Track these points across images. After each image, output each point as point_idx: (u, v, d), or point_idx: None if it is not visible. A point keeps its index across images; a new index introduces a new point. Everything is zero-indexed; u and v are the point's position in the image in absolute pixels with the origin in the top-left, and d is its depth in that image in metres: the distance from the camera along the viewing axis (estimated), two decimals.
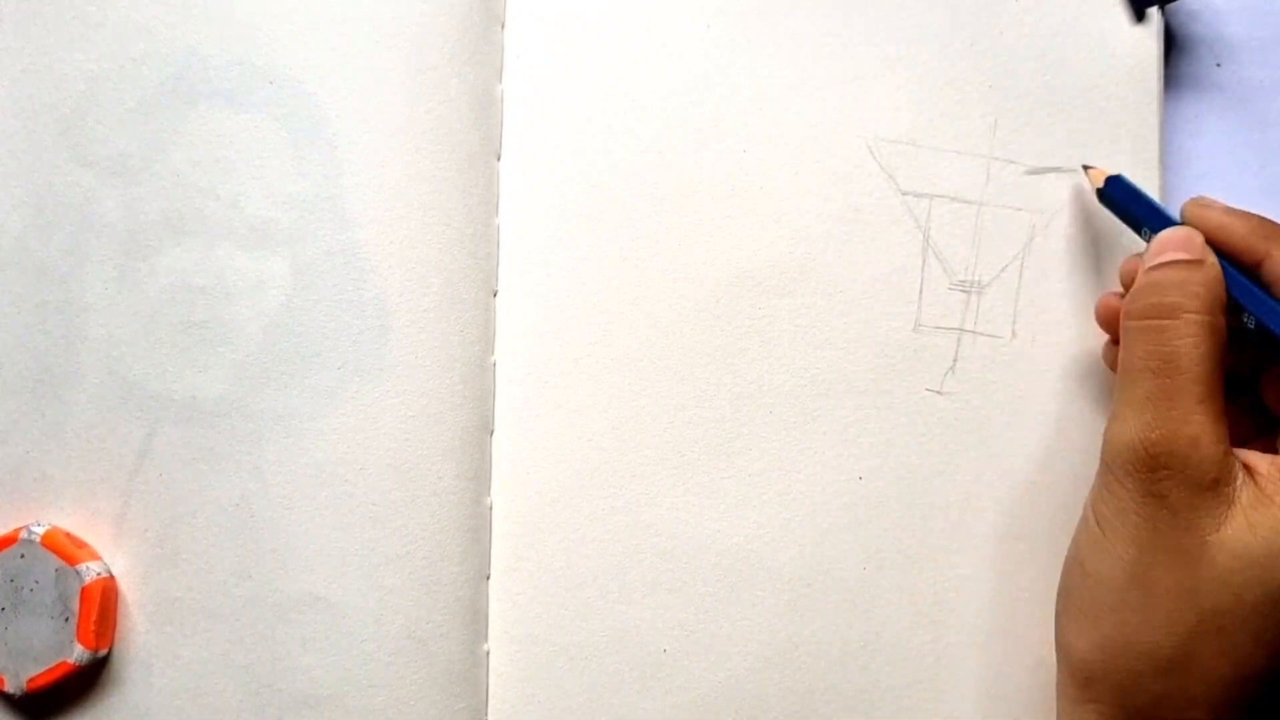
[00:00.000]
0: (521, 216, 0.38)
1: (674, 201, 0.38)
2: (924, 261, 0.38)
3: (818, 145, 0.38)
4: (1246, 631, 0.29)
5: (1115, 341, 0.36)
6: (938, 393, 0.38)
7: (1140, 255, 0.34)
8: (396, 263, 0.37)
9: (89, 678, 0.37)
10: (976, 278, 0.38)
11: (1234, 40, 0.40)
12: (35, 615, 0.35)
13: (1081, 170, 0.37)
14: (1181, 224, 0.33)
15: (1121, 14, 0.38)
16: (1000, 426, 0.38)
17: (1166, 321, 0.30)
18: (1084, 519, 0.32)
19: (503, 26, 0.39)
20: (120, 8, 0.38)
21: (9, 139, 0.38)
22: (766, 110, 0.38)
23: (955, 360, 0.38)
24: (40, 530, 0.36)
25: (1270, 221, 0.32)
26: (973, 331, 0.38)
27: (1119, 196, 0.35)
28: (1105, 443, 0.31)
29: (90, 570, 0.36)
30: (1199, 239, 0.32)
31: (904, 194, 0.38)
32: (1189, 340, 0.30)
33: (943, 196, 0.38)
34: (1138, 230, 0.35)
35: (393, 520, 0.36)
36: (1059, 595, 0.33)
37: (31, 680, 0.35)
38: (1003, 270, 0.38)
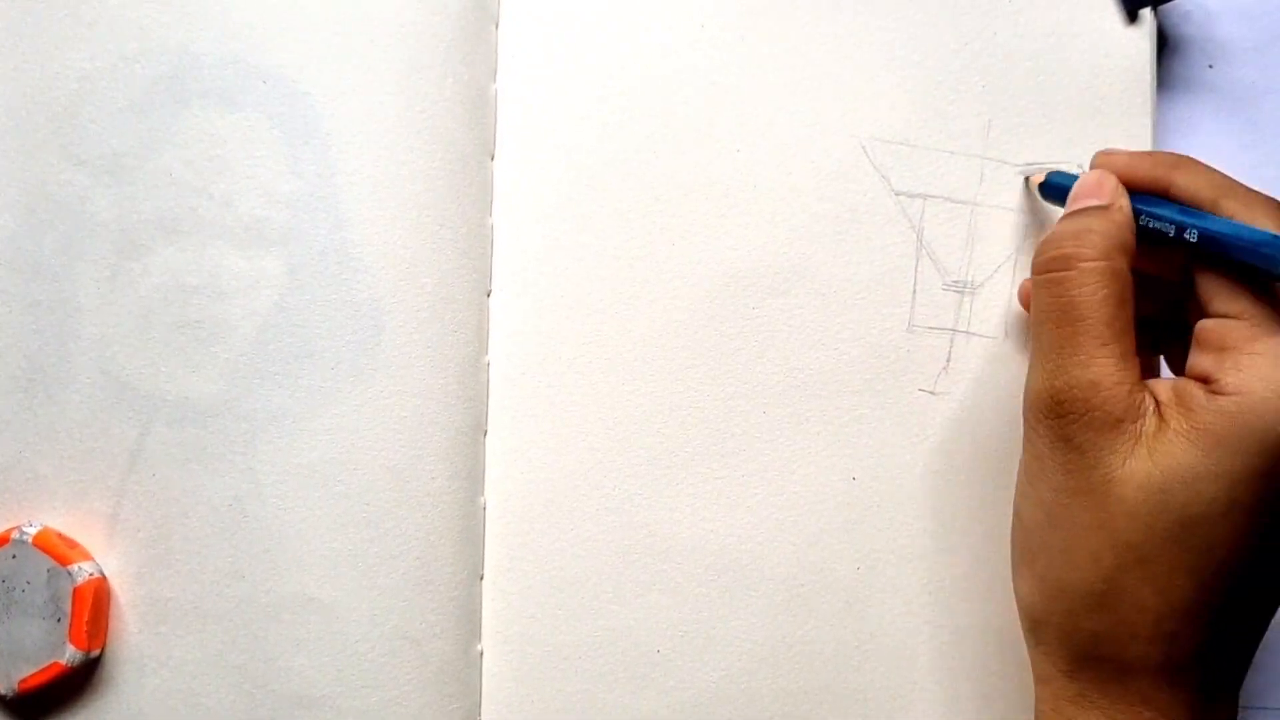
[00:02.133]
0: (515, 216, 0.38)
1: (668, 201, 0.38)
2: (917, 261, 0.38)
3: (811, 145, 0.38)
4: (1166, 559, 0.29)
5: None
6: (931, 393, 0.38)
7: None
8: (390, 262, 0.37)
9: (81, 678, 0.37)
10: (970, 278, 0.38)
11: (1226, 42, 0.41)
12: (27, 616, 0.35)
13: (1024, 182, 0.38)
14: None
15: (1114, 15, 0.39)
16: (993, 426, 0.38)
17: (1062, 273, 0.31)
18: (1017, 472, 0.33)
19: (497, 25, 0.39)
20: (113, 6, 0.38)
21: (1, 138, 0.38)
22: (760, 110, 0.38)
23: (948, 360, 0.38)
24: (32, 531, 0.36)
25: (1173, 154, 0.34)
26: (966, 332, 0.38)
27: (1059, 184, 0.36)
28: (1023, 396, 0.32)
29: (82, 571, 0.35)
30: (1110, 181, 0.33)
31: (897, 194, 0.38)
32: (1086, 289, 0.31)
33: (936, 196, 0.38)
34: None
35: (386, 520, 0.36)
36: (1011, 551, 0.34)
37: (23, 681, 0.35)
38: (996, 270, 0.38)
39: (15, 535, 0.36)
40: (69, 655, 0.35)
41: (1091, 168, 0.35)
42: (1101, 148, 0.38)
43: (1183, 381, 0.31)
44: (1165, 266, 0.34)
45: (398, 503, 0.36)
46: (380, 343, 0.36)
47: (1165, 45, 0.40)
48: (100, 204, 0.37)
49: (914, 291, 0.38)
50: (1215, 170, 0.33)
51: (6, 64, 0.38)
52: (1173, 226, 0.32)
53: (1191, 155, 0.40)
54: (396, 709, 0.36)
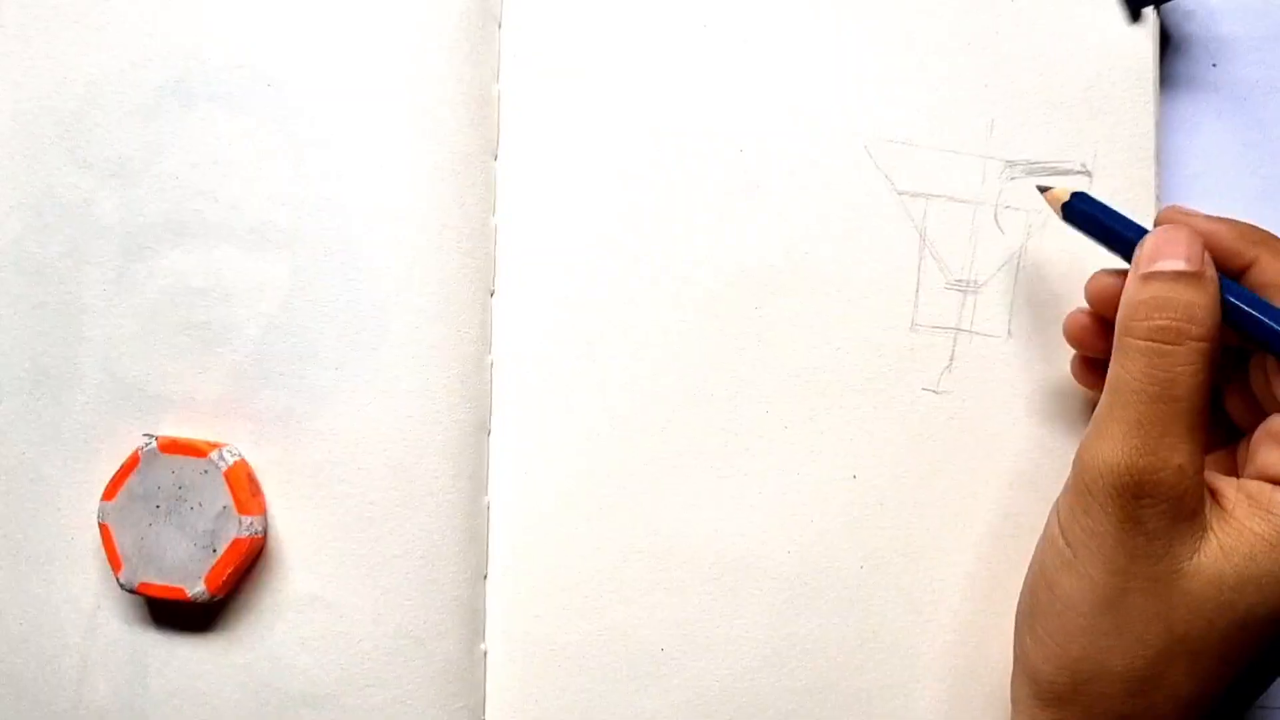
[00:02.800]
0: (519, 217, 0.38)
1: (671, 201, 0.38)
2: (920, 261, 0.38)
3: (815, 145, 0.38)
4: (1215, 654, 0.29)
5: (1087, 359, 0.36)
6: (934, 392, 0.38)
7: (1110, 271, 0.33)
8: (394, 263, 0.37)
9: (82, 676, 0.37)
10: (973, 277, 0.38)
11: (1229, 40, 0.40)
12: (182, 532, 0.35)
13: (1038, 192, 0.36)
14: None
15: (1117, 14, 0.38)
16: (996, 425, 0.38)
17: (1171, 347, 0.29)
18: (1050, 537, 0.32)
19: (500, 26, 0.39)
20: (120, 12, 0.38)
21: (9, 141, 0.38)
22: (763, 110, 0.38)
23: (951, 359, 0.38)
24: (231, 459, 0.36)
25: (1256, 226, 0.32)
26: (969, 331, 0.38)
27: (1087, 211, 0.34)
28: (1081, 462, 0.30)
29: (252, 526, 0.35)
30: (1197, 243, 0.30)
31: (901, 194, 0.38)
32: (1190, 368, 0.29)
33: (939, 196, 0.38)
34: (1111, 245, 0.33)
35: (390, 520, 0.36)
36: (1022, 613, 0.33)
37: (144, 585, 0.35)
38: (999, 270, 0.38)
39: (214, 455, 0.35)
40: (196, 591, 0.35)
41: (1158, 221, 0.33)
42: (1104, 146, 0.38)
43: (1256, 484, 0.30)
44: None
45: (402, 502, 0.36)
46: (384, 343, 0.37)
47: (1168, 44, 0.40)
48: (106, 207, 0.37)
49: (917, 291, 0.38)
50: None
51: (14, 69, 0.38)
52: (1257, 324, 0.30)
53: (1195, 155, 0.40)
54: (401, 708, 0.36)
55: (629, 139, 0.38)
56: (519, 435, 0.38)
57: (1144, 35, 0.38)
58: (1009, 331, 0.38)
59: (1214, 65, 0.41)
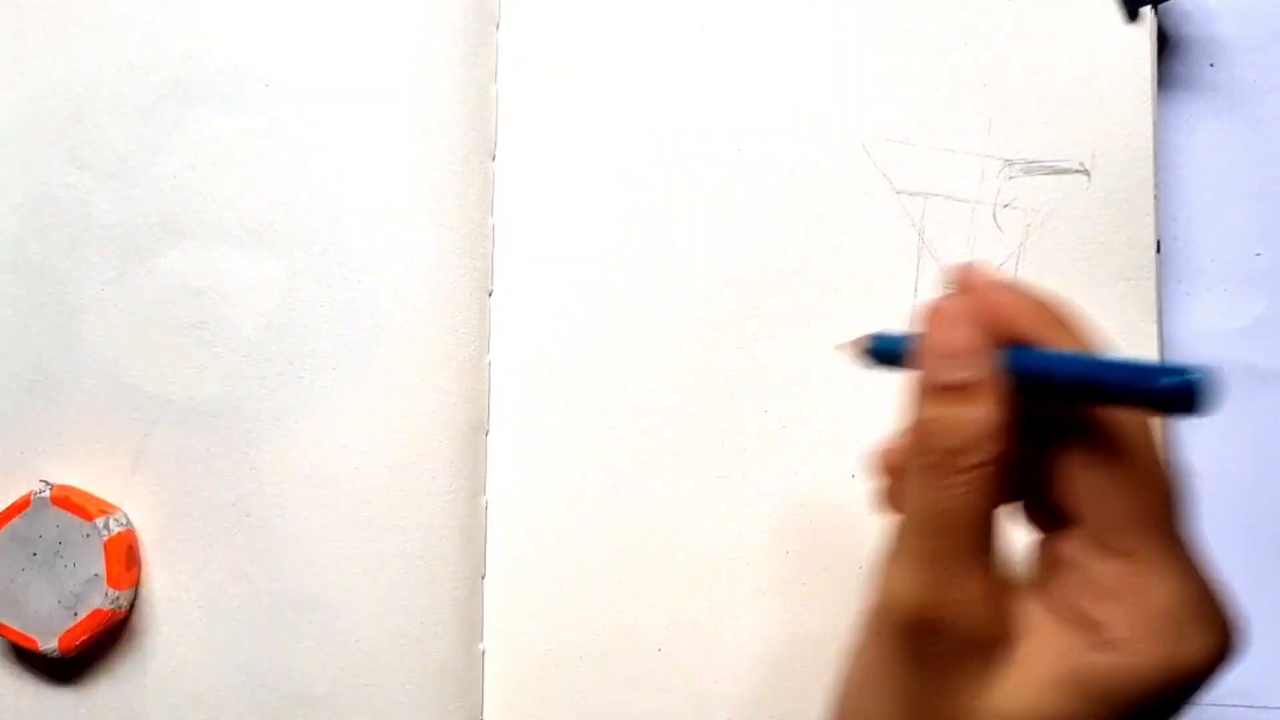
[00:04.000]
0: (516, 216, 0.38)
1: (669, 201, 0.38)
2: (919, 260, 0.38)
3: (813, 144, 0.38)
4: None
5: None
6: None
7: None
8: (391, 263, 0.37)
9: (75, 672, 0.37)
10: None
11: (1227, 40, 0.41)
12: (51, 586, 0.36)
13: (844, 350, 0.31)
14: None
15: (1114, 14, 0.39)
16: None
17: (955, 478, 0.26)
18: (848, 660, 0.29)
19: (498, 27, 0.39)
20: (118, 12, 0.38)
21: (7, 141, 0.38)
22: (761, 110, 0.38)
23: None
24: (115, 529, 0.36)
25: (1050, 303, 0.27)
26: None
27: (886, 343, 0.30)
28: (875, 594, 0.28)
29: (117, 600, 0.36)
30: (975, 337, 0.26)
31: (899, 192, 0.38)
32: (968, 497, 0.26)
33: (937, 195, 0.38)
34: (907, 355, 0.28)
35: (388, 520, 0.36)
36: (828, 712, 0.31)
37: (1, 625, 0.36)
38: (997, 268, 0.38)
39: (99, 521, 0.36)
40: (49, 646, 0.35)
41: (945, 287, 0.28)
42: (1101, 146, 0.38)
43: (1055, 621, 0.27)
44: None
45: (400, 502, 0.36)
46: (382, 343, 0.37)
47: (1166, 44, 0.40)
48: (104, 207, 0.37)
49: (915, 290, 0.38)
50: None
51: (12, 69, 0.38)
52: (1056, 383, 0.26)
53: (1192, 155, 0.41)
54: (399, 707, 0.36)
55: (627, 139, 0.38)
56: (517, 435, 0.38)
57: (1142, 35, 0.38)
58: None
59: (1211, 65, 0.41)
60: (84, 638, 0.35)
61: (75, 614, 0.35)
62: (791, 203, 0.38)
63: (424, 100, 0.37)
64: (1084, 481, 0.26)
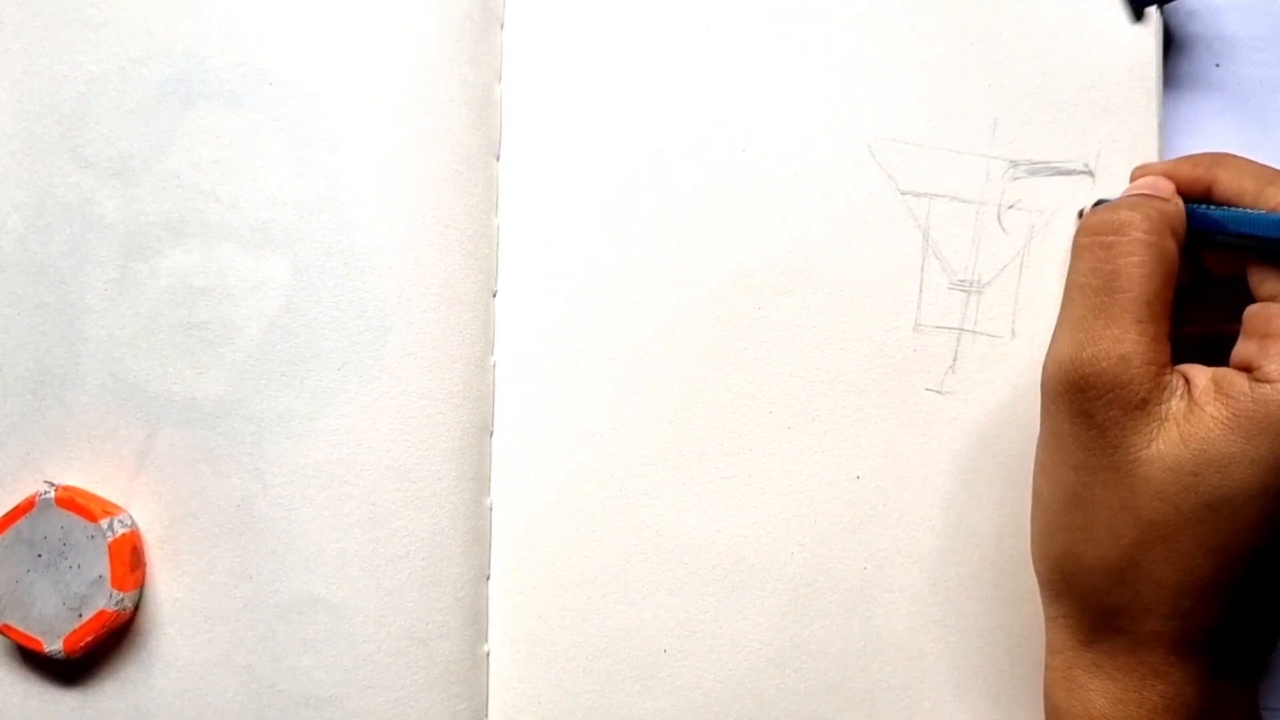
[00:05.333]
0: (521, 217, 0.38)
1: (673, 201, 0.38)
2: (923, 261, 0.38)
3: (817, 144, 0.38)
4: (1189, 538, 0.29)
5: None
6: (937, 392, 0.38)
7: None
8: (396, 263, 0.37)
9: (83, 673, 0.37)
10: (976, 277, 0.38)
11: (1233, 39, 0.40)
12: (55, 588, 0.36)
13: (1078, 217, 0.37)
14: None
15: (1120, 13, 0.38)
16: (1000, 425, 0.38)
17: (1112, 238, 0.31)
18: (1037, 455, 0.33)
19: (502, 26, 0.39)
20: (120, 9, 0.38)
21: (9, 140, 0.38)
22: (766, 110, 0.38)
23: (955, 359, 0.38)
24: (120, 530, 0.36)
25: (1212, 153, 0.33)
26: (972, 331, 0.38)
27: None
28: (1044, 366, 0.32)
29: (122, 601, 0.35)
30: (1166, 183, 0.33)
31: (903, 193, 0.38)
32: (1133, 259, 0.30)
33: (942, 196, 0.38)
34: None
35: (393, 521, 0.36)
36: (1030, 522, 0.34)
37: (6, 626, 0.36)
38: (1002, 269, 0.38)
39: (104, 523, 0.35)
40: (53, 648, 0.35)
41: (1132, 179, 0.35)
42: (1107, 146, 0.38)
43: (1223, 370, 0.30)
44: (1216, 265, 0.33)
45: (404, 503, 0.36)
46: (386, 343, 0.36)
47: (1171, 43, 0.40)
48: (108, 206, 0.37)
49: (920, 291, 0.38)
50: (1256, 163, 0.32)
51: (15, 67, 0.38)
52: (1214, 223, 0.31)
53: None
54: (403, 709, 0.36)
55: (632, 139, 0.38)
56: (521, 436, 0.38)
57: (1147, 35, 0.38)
58: (1013, 332, 0.38)
59: (1217, 65, 0.40)
60: (89, 639, 0.35)
61: (80, 615, 0.35)
62: (796, 203, 0.38)
63: (428, 100, 0.37)
64: (1254, 274, 0.31)
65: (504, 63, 0.39)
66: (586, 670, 0.37)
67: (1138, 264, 0.30)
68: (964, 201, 0.38)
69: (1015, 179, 0.38)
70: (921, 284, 0.38)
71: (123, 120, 0.38)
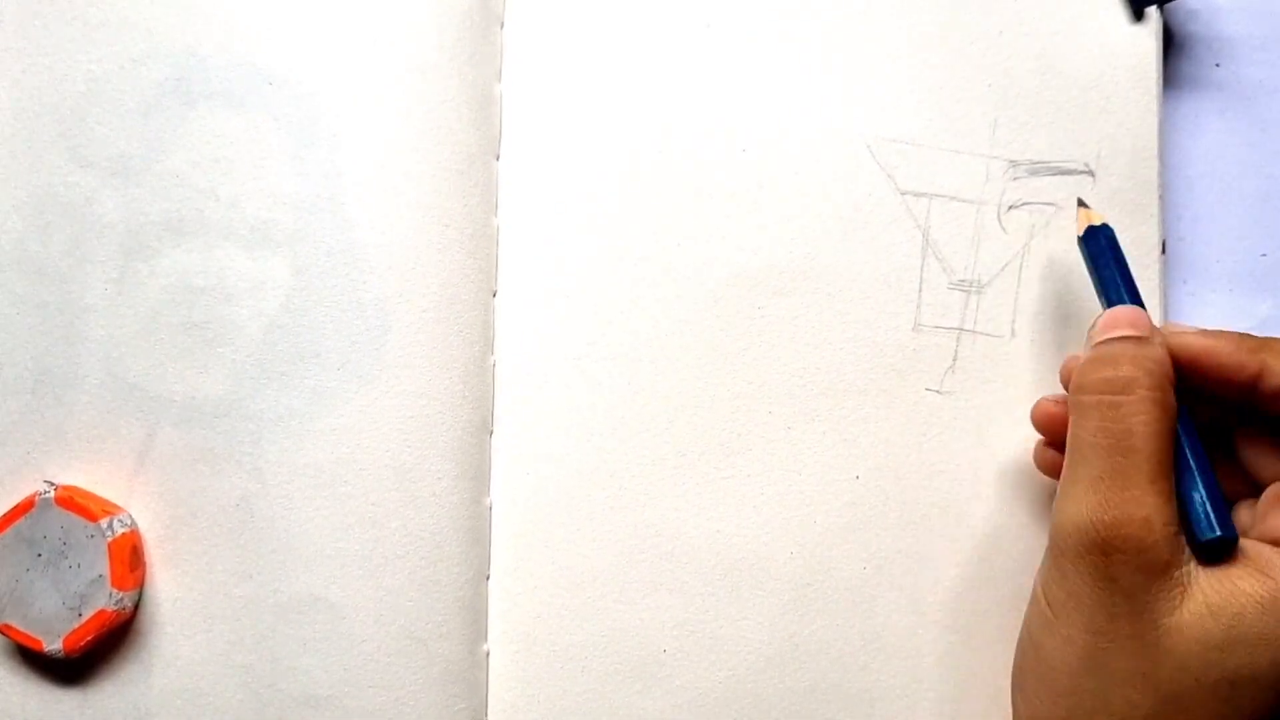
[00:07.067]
0: (521, 217, 0.38)
1: (673, 201, 0.38)
2: (923, 261, 0.38)
3: (817, 144, 0.38)
4: (1206, 712, 0.28)
5: (1050, 444, 0.35)
6: (937, 392, 0.38)
7: (1053, 399, 0.35)
8: (396, 263, 0.37)
9: (80, 673, 0.37)
10: (976, 277, 0.38)
11: (1233, 40, 0.40)
12: (56, 587, 0.35)
13: (1076, 204, 0.37)
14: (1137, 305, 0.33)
15: (1120, 13, 0.38)
16: (1000, 425, 0.38)
17: (1120, 397, 0.29)
18: (1035, 598, 0.31)
19: (502, 26, 0.39)
20: (120, 8, 0.38)
21: (9, 140, 0.38)
22: (766, 110, 0.38)
23: (955, 359, 0.38)
24: (120, 530, 0.36)
25: (1254, 335, 0.31)
26: (972, 331, 0.38)
27: (1097, 249, 0.34)
28: (1055, 523, 0.30)
29: (121, 601, 0.36)
30: (1146, 318, 0.31)
31: (903, 193, 0.38)
32: (1142, 417, 0.29)
33: (942, 196, 0.38)
34: (1100, 291, 0.34)
35: (392, 520, 0.36)
36: (1014, 671, 0.33)
37: (6, 626, 0.36)
38: (1002, 269, 0.38)
39: (104, 522, 0.35)
40: (53, 647, 0.35)
41: (1110, 324, 0.33)
42: (1107, 147, 0.38)
43: (1255, 543, 0.29)
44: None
45: (404, 503, 0.36)
46: (386, 343, 0.36)
47: (1171, 43, 0.40)
48: (107, 206, 0.37)
49: (920, 291, 0.38)
50: None
51: (14, 66, 0.38)
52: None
53: (1198, 155, 0.40)
54: (403, 709, 0.36)
55: (631, 139, 0.38)
56: (521, 436, 0.38)
57: (1147, 35, 0.38)
58: (1012, 332, 0.38)
59: (1217, 65, 0.40)
60: (88, 639, 0.35)
61: (80, 615, 0.35)
62: (796, 203, 0.38)
63: (428, 100, 0.37)
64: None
65: (504, 63, 0.39)
66: (586, 670, 0.37)
67: (1147, 423, 0.29)
68: (964, 201, 0.38)
69: (1015, 179, 0.38)
70: (921, 284, 0.38)
71: (122, 120, 0.37)
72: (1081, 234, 0.35)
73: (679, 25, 0.39)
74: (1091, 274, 0.34)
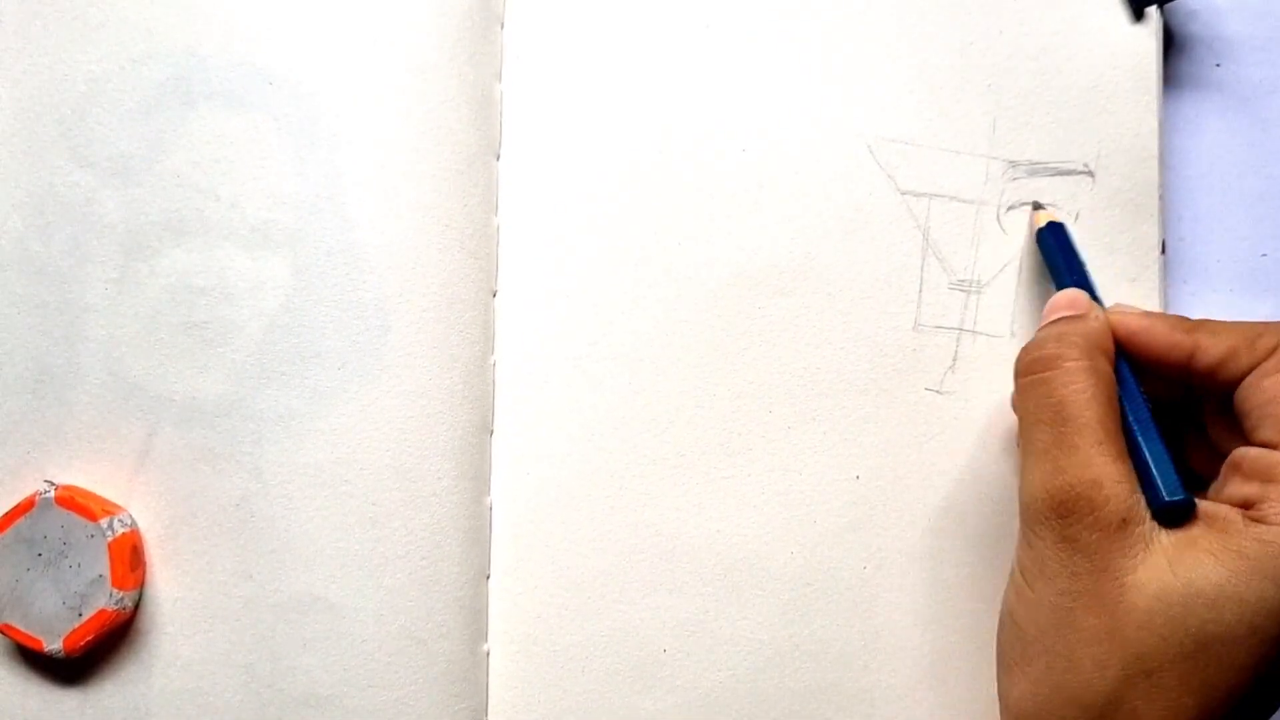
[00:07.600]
0: (521, 216, 0.38)
1: (674, 201, 0.38)
2: (923, 261, 0.38)
3: (817, 144, 0.38)
4: (1172, 676, 0.28)
5: None
6: (937, 392, 0.38)
7: None
8: (396, 263, 0.37)
9: (79, 673, 0.37)
10: (976, 277, 0.38)
11: (1233, 39, 0.40)
12: (56, 587, 0.36)
13: (1030, 207, 0.38)
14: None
15: (1120, 13, 0.38)
16: (1000, 425, 0.38)
17: (1048, 373, 0.31)
18: (1011, 575, 0.32)
19: (502, 26, 0.39)
20: (120, 9, 0.38)
21: (9, 139, 0.38)
22: (766, 110, 0.38)
23: (955, 359, 0.38)
24: (120, 530, 0.36)
25: (1186, 318, 0.33)
26: (972, 331, 0.38)
27: (1051, 244, 0.36)
28: (1019, 499, 0.32)
29: (122, 600, 0.36)
30: (1084, 297, 0.33)
31: (903, 193, 0.38)
32: (1074, 386, 0.31)
33: (942, 196, 0.38)
34: (1056, 281, 0.36)
35: (393, 520, 0.36)
36: (996, 651, 0.33)
37: (6, 626, 0.36)
38: (1002, 269, 0.38)
39: (104, 522, 0.35)
40: (53, 647, 0.35)
41: (1054, 308, 0.35)
42: (1107, 146, 0.38)
43: (1215, 504, 0.30)
44: (1164, 388, 0.33)
45: (404, 503, 0.36)
46: (386, 343, 0.37)
47: (1171, 43, 0.40)
48: (108, 205, 0.37)
49: (920, 290, 0.38)
50: (1234, 322, 0.32)
51: (14, 66, 0.38)
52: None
53: (1198, 155, 0.40)
54: (403, 708, 0.36)
55: (632, 139, 0.38)
56: (521, 436, 0.38)
57: (1147, 35, 0.38)
58: (1012, 332, 0.38)
59: (1218, 65, 0.40)
60: (89, 638, 0.35)
61: (80, 615, 0.35)
62: (796, 203, 0.38)
63: (428, 99, 0.37)
64: (1249, 414, 0.31)
65: (504, 63, 0.39)
66: (586, 669, 0.37)
67: (1079, 390, 0.30)
68: (964, 201, 0.38)
69: (1015, 179, 0.38)
70: (921, 284, 0.38)
71: (123, 120, 0.38)
72: (1041, 227, 0.37)
73: (679, 25, 0.39)
74: (1051, 265, 0.36)
